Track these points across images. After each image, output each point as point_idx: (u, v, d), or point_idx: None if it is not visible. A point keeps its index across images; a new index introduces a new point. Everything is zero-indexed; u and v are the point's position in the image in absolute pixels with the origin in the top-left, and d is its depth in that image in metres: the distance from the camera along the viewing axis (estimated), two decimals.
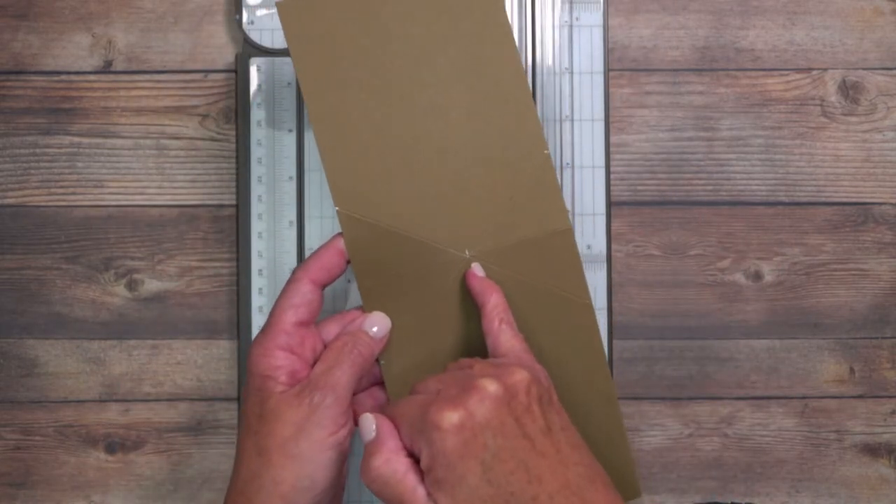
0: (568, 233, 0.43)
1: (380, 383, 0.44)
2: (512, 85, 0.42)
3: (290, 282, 0.41)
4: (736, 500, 0.49)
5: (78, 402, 0.49)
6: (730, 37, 0.50)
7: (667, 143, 0.50)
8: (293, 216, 0.48)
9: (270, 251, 0.48)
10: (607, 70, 0.49)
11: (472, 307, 0.42)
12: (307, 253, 0.48)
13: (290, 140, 0.48)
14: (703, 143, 0.50)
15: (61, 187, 0.49)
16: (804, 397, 0.49)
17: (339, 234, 0.42)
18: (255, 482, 0.38)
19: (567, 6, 0.48)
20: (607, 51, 0.49)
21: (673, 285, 0.49)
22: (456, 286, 0.43)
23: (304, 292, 0.41)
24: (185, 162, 0.49)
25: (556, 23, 0.48)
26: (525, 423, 0.35)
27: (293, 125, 0.48)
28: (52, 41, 0.49)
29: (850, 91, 0.50)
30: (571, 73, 0.48)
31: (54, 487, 0.49)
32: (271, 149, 0.48)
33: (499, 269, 0.42)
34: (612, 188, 0.49)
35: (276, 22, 0.48)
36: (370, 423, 0.37)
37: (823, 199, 0.50)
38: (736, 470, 0.49)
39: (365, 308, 0.43)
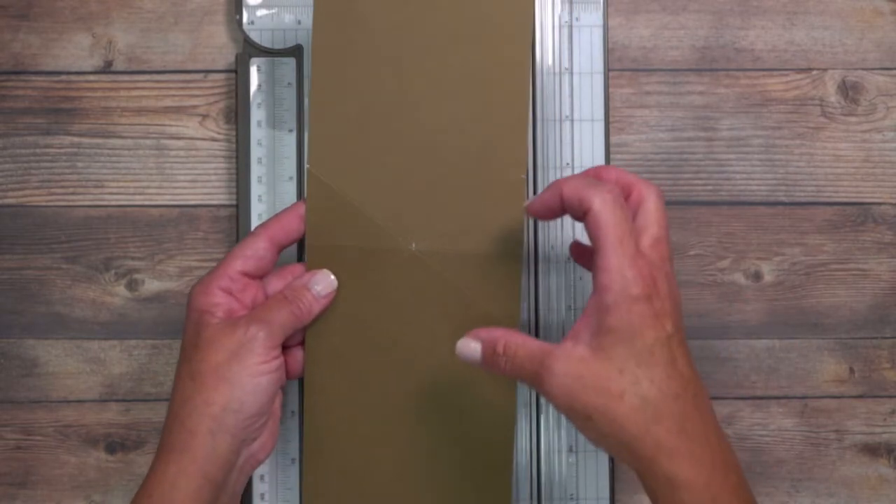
0: (517, 259, 0.43)
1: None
2: (512, 104, 0.42)
3: (247, 235, 0.43)
4: None
5: (78, 401, 0.49)
6: (730, 37, 0.50)
7: (667, 143, 0.50)
8: None
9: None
10: (607, 70, 0.49)
11: (406, 295, 0.43)
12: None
13: (290, 140, 0.48)
14: (702, 143, 0.50)
15: (61, 187, 0.49)
16: (804, 397, 0.50)
17: (304, 200, 0.44)
18: (187, 405, 0.40)
19: (567, 6, 0.48)
20: (607, 51, 0.49)
21: None
22: (394, 273, 0.43)
23: (257, 247, 0.42)
24: (185, 162, 0.49)
25: (556, 23, 0.48)
26: None
27: (293, 125, 0.48)
28: (53, 41, 0.49)
29: (849, 91, 0.50)
30: (571, 73, 0.48)
31: (54, 487, 0.49)
32: (271, 149, 0.48)
33: (438, 271, 0.43)
34: None
35: (276, 22, 0.48)
36: (469, 344, 0.39)
37: (823, 199, 0.50)
38: None
39: (308, 266, 0.43)
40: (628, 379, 0.35)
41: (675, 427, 0.35)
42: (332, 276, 0.43)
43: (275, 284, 0.43)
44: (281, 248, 0.43)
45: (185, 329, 0.42)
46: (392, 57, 0.43)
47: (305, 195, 0.44)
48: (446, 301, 0.43)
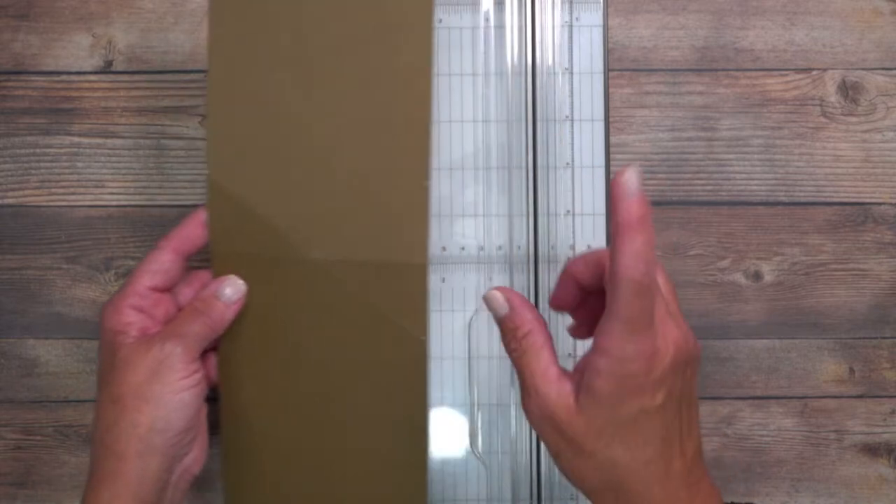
0: (422, 267, 0.42)
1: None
2: (415, 110, 0.42)
3: (151, 250, 0.42)
4: (736, 500, 0.49)
5: (78, 401, 0.49)
6: (730, 37, 0.50)
7: (667, 143, 0.50)
8: None
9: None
10: (607, 70, 0.49)
11: (310, 302, 0.43)
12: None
13: None
14: (702, 143, 0.50)
15: (61, 187, 0.49)
16: (804, 397, 0.50)
17: (204, 205, 0.43)
18: (113, 430, 0.39)
19: (567, 6, 0.48)
20: (607, 51, 0.49)
21: None
22: (298, 280, 0.42)
23: (163, 260, 0.42)
24: (185, 162, 0.49)
25: (556, 23, 0.48)
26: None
27: None
28: (53, 41, 0.49)
29: (849, 91, 0.50)
30: (571, 73, 0.48)
31: (54, 487, 0.49)
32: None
33: (341, 278, 0.42)
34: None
35: None
36: (499, 297, 0.38)
37: (823, 199, 0.50)
38: (736, 470, 0.49)
39: (214, 273, 0.43)
40: (603, 441, 0.35)
41: (641, 489, 0.35)
42: (240, 281, 0.42)
43: (185, 293, 0.43)
44: (187, 258, 0.43)
45: (99, 352, 0.41)
46: (293, 62, 0.42)
47: (206, 201, 0.43)
48: (350, 308, 0.42)
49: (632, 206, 0.33)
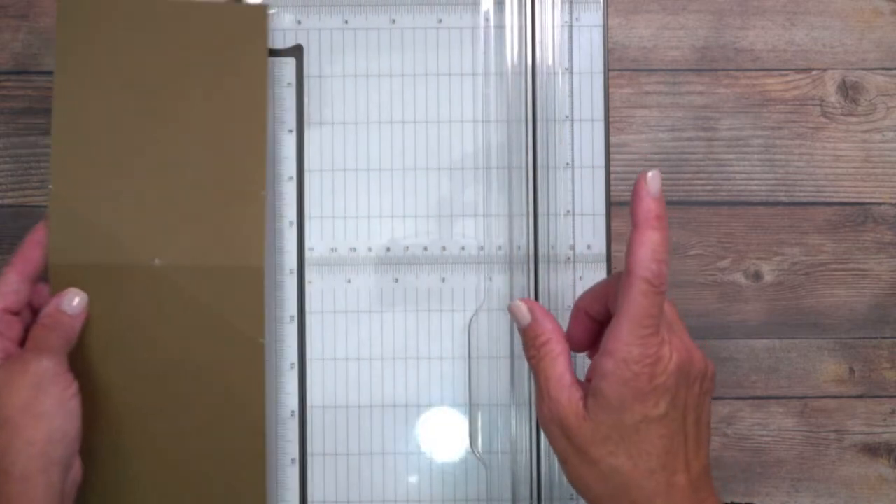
0: (258, 271, 0.45)
1: None
2: (251, 123, 0.45)
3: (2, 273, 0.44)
4: (736, 500, 0.49)
5: None
6: (730, 37, 0.50)
7: (667, 143, 0.50)
8: (293, 216, 0.48)
9: (270, 251, 0.48)
10: (607, 70, 0.49)
11: (152, 309, 0.44)
12: (307, 253, 0.48)
13: (290, 140, 0.48)
14: (702, 143, 0.50)
15: None
16: (804, 397, 0.50)
17: (43, 221, 0.44)
18: (9, 453, 0.39)
19: (567, 6, 0.48)
20: (607, 51, 0.49)
21: (673, 285, 0.49)
22: (140, 288, 0.45)
23: (11, 282, 0.43)
24: None
25: (556, 23, 0.48)
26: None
27: (293, 125, 0.48)
28: (53, 41, 0.49)
29: (849, 91, 0.50)
30: (571, 73, 0.48)
31: None
32: (271, 149, 0.48)
33: (181, 285, 0.44)
34: (612, 188, 0.49)
35: (276, 22, 0.48)
36: (523, 308, 0.40)
37: (823, 199, 0.50)
38: (736, 470, 0.49)
39: (53, 287, 0.44)
40: (608, 449, 0.36)
41: (644, 501, 0.36)
42: (81, 291, 0.44)
43: (26, 313, 0.44)
44: (33, 278, 0.43)
45: None
46: (135, 77, 0.45)
47: (47, 214, 0.45)
48: (191, 314, 0.45)
49: (651, 203, 0.36)
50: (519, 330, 0.40)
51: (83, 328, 0.44)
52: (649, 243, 0.35)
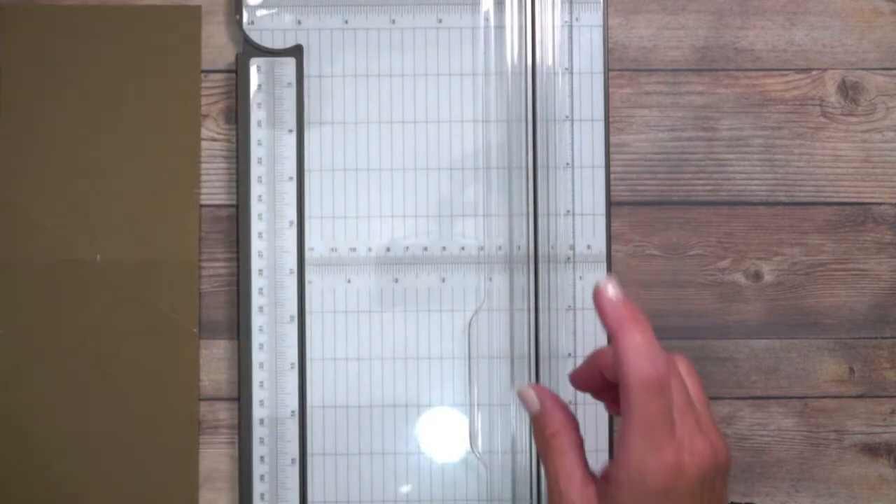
0: (193, 265, 0.48)
1: None
2: (186, 124, 0.48)
3: None
4: (736, 501, 0.49)
5: None
6: (730, 37, 0.50)
7: (667, 143, 0.50)
8: (293, 216, 0.48)
9: (270, 251, 0.48)
10: (607, 70, 0.49)
11: (95, 303, 0.47)
12: (307, 253, 0.48)
13: (290, 140, 0.48)
14: (702, 143, 0.50)
15: None
16: (804, 397, 0.50)
17: None
18: None
19: (567, 6, 0.48)
20: (607, 51, 0.49)
21: (672, 285, 0.49)
22: (83, 283, 0.47)
23: None
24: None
25: (556, 23, 0.48)
26: None
27: (293, 125, 0.48)
28: None
29: (849, 91, 0.50)
30: (571, 73, 0.48)
31: None
32: (271, 149, 0.48)
33: (122, 279, 0.47)
34: (612, 188, 0.49)
35: (277, 22, 0.48)
36: (532, 395, 0.37)
37: (823, 199, 0.50)
38: (736, 470, 0.49)
39: None
40: None
41: None
42: None
43: None
44: None
45: None
46: (75, 80, 0.48)
47: None
48: (131, 307, 0.47)
49: (618, 306, 0.33)
50: (529, 417, 0.37)
51: (22, 319, 0.47)
52: (633, 346, 0.32)
